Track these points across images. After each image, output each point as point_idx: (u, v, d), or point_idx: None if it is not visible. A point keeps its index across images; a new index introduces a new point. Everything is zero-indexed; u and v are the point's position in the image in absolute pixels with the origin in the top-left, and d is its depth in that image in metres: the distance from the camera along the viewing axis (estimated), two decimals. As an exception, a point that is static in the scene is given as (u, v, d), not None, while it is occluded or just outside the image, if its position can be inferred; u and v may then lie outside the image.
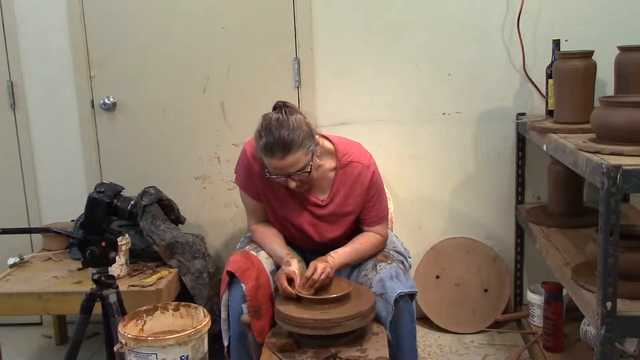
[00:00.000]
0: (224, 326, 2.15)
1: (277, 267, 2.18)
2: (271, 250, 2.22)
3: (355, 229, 2.29)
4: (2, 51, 2.93)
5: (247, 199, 2.29)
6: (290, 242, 2.30)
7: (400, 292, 2.04)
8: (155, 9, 2.88)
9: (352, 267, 2.20)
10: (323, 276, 2.02)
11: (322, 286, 2.03)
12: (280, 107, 2.06)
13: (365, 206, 2.23)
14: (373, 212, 2.25)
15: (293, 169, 2.02)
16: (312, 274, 2.02)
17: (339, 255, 2.14)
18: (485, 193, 2.96)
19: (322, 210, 2.22)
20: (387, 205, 2.36)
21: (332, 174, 2.21)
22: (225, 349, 2.16)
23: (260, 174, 2.18)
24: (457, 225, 3.00)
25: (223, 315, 2.14)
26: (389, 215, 2.55)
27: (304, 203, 2.22)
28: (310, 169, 2.06)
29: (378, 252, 2.25)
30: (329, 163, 2.20)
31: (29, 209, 3.06)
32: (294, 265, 2.09)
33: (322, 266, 2.04)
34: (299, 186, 2.11)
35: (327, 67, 2.87)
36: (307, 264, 2.32)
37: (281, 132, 1.97)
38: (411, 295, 2.10)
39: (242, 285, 2.07)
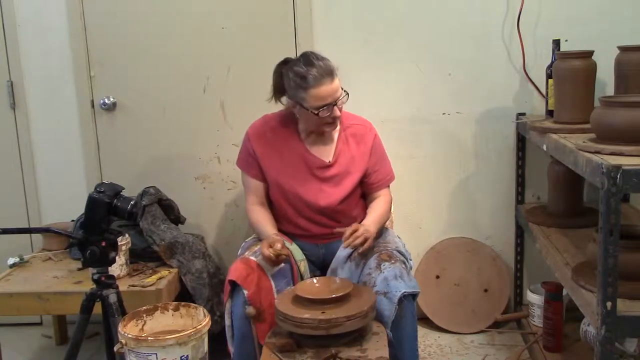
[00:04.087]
0: (228, 333, 2.16)
1: (278, 270, 2.19)
2: (262, 232, 2.28)
3: (355, 196, 2.35)
4: (2, 51, 2.93)
5: (246, 178, 2.38)
6: (292, 236, 2.34)
7: (405, 292, 2.04)
8: (155, 8, 2.88)
9: (356, 266, 2.20)
10: (361, 239, 2.10)
11: (363, 253, 2.13)
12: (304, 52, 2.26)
13: (372, 169, 2.35)
14: (380, 175, 2.36)
15: (338, 93, 2.18)
16: (355, 230, 2.11)
17: (370, 224, 2.22)
18: (485, 193, 2.96)
19: (328, 171, 2.30)
20: (392, 169, 2.44)
21: (336, 134, 2.33)
22: (231, 356, 2.17)
23: (264, 151, 2.31)
24: (457, 225, 3.00)
25: (227, 322, 2.16)
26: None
27: (311, 167, 2.30)
28: (347, 93, 2.22)
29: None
30: None
31: (29, 209, 3.06)
32: (279, 239, 2.17)
33: (363, 228, 2.13)
34: (337, 119, 2.23)
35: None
36: (310, 262, 2.34)
37: (324, 60, 2.17)
38: (414, 296, 2.11)
39: (244, 291, 2.08)
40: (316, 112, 2.17)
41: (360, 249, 2.13)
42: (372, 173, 2.35)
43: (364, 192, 2.40)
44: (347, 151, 2.33)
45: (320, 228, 2.33)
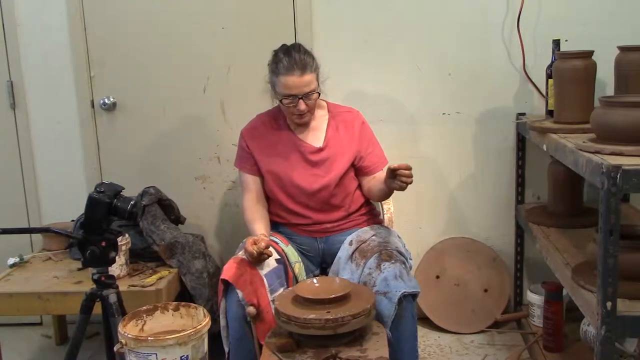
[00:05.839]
0: (223, 333, 2.16)
1: (272, 268, 2.19)
2: (253, 230, 2.29)
3: (348, 180, 2.36)
4: (2, 51, 2.93)
5: (243, 176, 2.42)
6: (290, 230, 2.36)
7: (404, 292, 2.05)
8: (155, 9, 2.88)
9: (356, 266, 2.20)
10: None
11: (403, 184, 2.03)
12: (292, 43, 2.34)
13: (364, 152, 2.37)
14: (374, 157, 2.40)
15: (307, 89, 2.21)
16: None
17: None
18: (485, 193, 2.96)
19: (320, 155, 2.34)
20: (384, 155, 2.46)
21: (325, 122, 2.39)
22: (227, 356, 2.17)
23: (256, 143, 2.36)
24: (457, 225, 3.00)
25: (222, 322, 2.15)
26: (389, 215, 2.56)
27: (303, 152, 2.34)
28: (319, 93, 2.27)
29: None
30: (322, 113, 2.40)
31: (29, 209, 3.06)
32: (266, 239, 2.16)
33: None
34: (305, 114, 2.26)
35: (327, 67, 2.86)
36: (308, 259, 2.34)
37: (300, 54, 2.23)
38: (413, 296, 2.11)
39: (238, 292, 2.08)
40: (280, 99, 2.24)
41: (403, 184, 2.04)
42: (366, 156, 2.38)
43: (361, 179, 2.41)
44: (337, 136, 2.37)
45: (317, 214, 2.34)
